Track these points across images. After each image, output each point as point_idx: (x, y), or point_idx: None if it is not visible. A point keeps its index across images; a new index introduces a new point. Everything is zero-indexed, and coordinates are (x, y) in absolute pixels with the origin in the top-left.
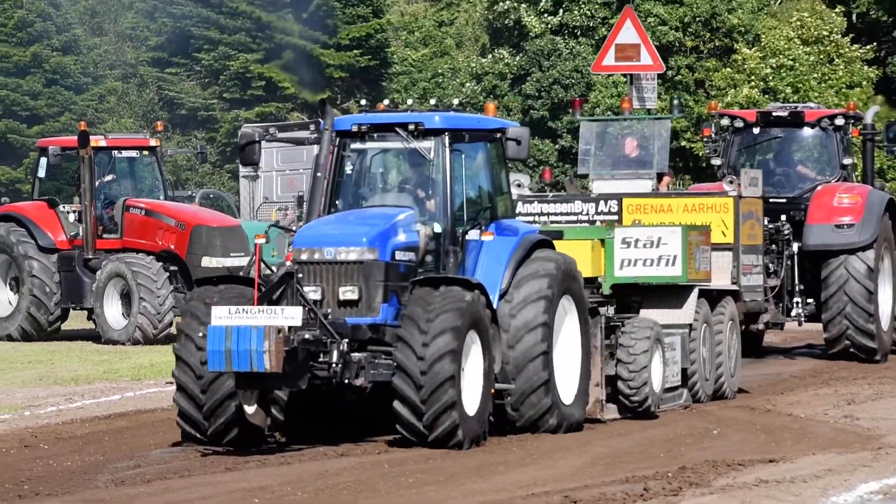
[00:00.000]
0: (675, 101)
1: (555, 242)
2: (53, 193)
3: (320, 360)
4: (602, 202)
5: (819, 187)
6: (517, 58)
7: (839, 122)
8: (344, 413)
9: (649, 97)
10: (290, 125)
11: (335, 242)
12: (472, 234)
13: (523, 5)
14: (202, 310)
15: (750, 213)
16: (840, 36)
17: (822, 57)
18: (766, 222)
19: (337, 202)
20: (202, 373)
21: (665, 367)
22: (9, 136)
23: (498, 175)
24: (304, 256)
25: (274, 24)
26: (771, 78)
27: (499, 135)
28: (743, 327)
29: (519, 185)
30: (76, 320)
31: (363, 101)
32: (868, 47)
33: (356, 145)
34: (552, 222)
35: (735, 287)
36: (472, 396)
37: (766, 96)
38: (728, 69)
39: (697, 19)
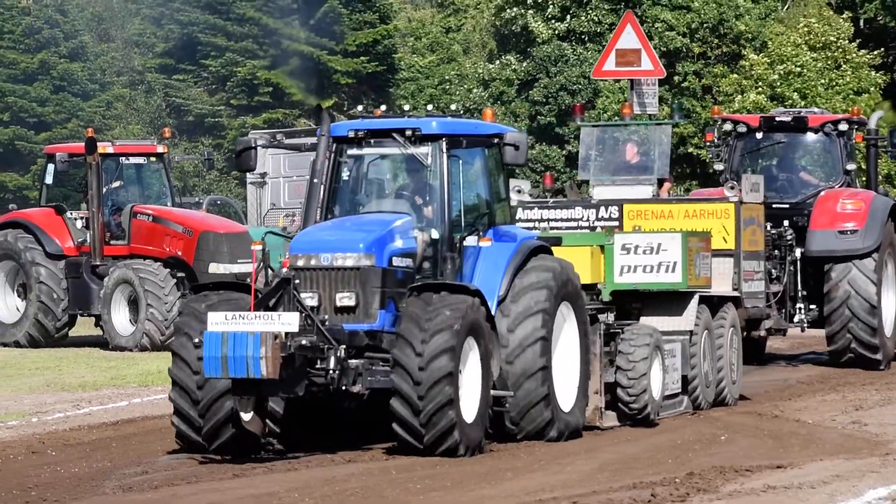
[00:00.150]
0: (676, 107)
1: (554, 248)
2: (61, 200)
3: (317, 366)
4: (603, 208)
5: (822, 193)
6: (524, 63)
7: (843, 127)
8: (341, 420)
9: (650, 102)
10: (297, 131)
11: (332, 248)
12: (470, 241)
13: (530, 11)
14: (194, 327)
15: (751, 218)
16: (847, 41)
17: (829, 63)
18: (768, 228)
19: (334, 208)
20: (199, 396)
21: (665, 375)
22: (16, 142)
23: (496, 181)
24: (300, 262)
25: (281, 30)
26: (778, 84)
27: (496, 140)
28: (744, 334)
29: (519, 191)
30: (84, 327)
31: (360, 108)
32: (875, 53)
33: (353, 151)
34: (552, 228)
35: (736, 293)
36: (470, 405)
37: (774, 102)
38: (735, 75)
39: (705, 25)
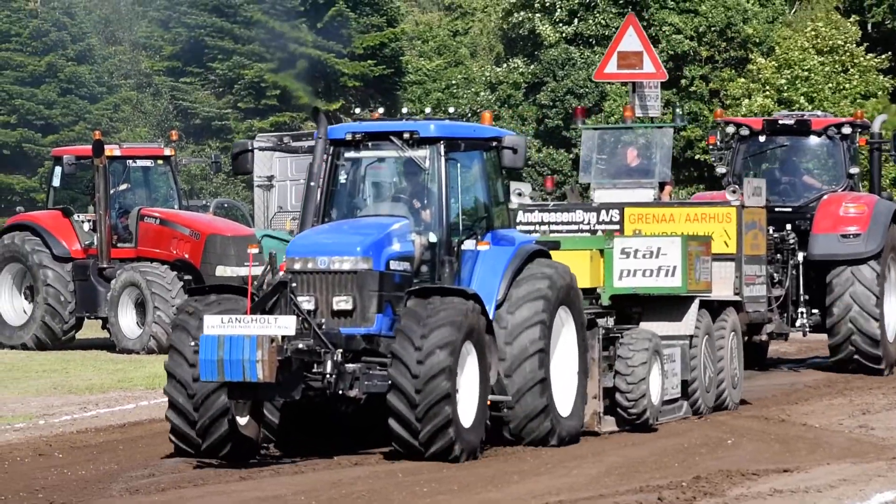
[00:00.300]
0: (678, 110)
1: (553, 252)
2: (68, 202)
3: (314, 370)
4: (604, 211)
5: (825, 196)
6: (531, 67)
7: (846, 130)
8: (338, 424)
9: (652, 105)
10: (304, 134)
11: (329, 252)
12: (468, 244)
13: (538, 15)
14: (192, 323)
15: (753, 222)
16: (855, 45)
17: (836, 67)
18: (770, 231)
19: (331, 211)
20: (194, 390)
21: (664, 379)
22: (24, 145)
23: (494, 184)
24: (297, 266)
25: (288, 33)
26: (785, 88)
27: (495, 143)
28: (746, 338)
29: (520, 194)
30: (91, 329)
31: (357, 110)
32: (883, 56)
33: (350, 154)
34: (553, 231)
35: (737, 298)
36: (467, 409)
37: (781, 106)
38: (743, 79)
39: (713, 29)
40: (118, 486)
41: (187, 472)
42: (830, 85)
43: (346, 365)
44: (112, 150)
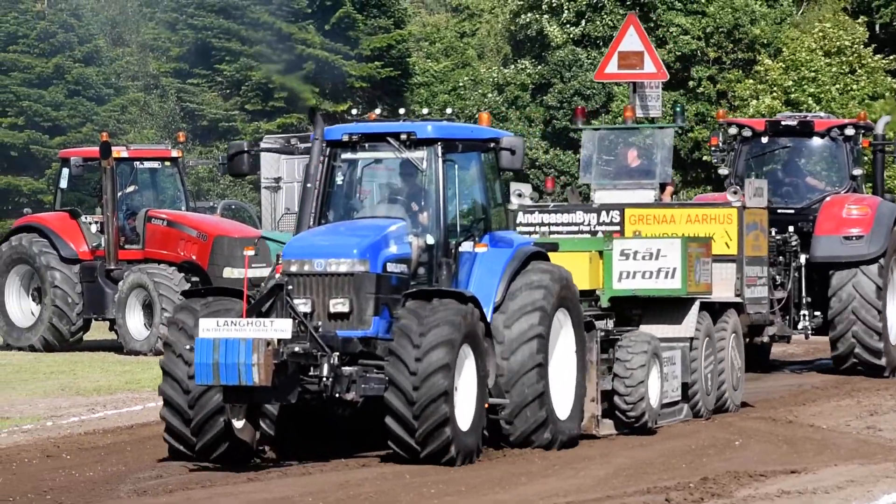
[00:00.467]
0: (678, 110)
1: (553, 254)
2: (75, 204)
3: (310, 373)
4: (604, 212)
5: (828, 198)
6: (538, 67)
7: (849, 132)
8: (335, 427)
9: (653, 106)
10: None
11: (325, 254)
12: (466, 246)
13: (545, 16)
14: (189, 323)
15: (754, 223)
16: (862, 46)
17: (843, 68)
18: (773, 233)
19: (328, 213)
20: (190, 387)
21: (663, 382)
22: (31, 146)
23: (492, 185)
24: (293, 268)
25: (295, 35)
26: (793, 89)
27: (493, 144)
28: (747, 340)
29: (520, 195)
30: (98, 331)
31: (353, 111)
32: (891, 58)
33: (347, 155)
34: (553, 233)
35: (738, 299)
36: (465, 411)
37: (789, 107)
38: (750, 80)
39: (720, 30)
40: (126, 487)
41: (195, 474)
42: (838, 86)
43: (343, 368)
44: (119, 151)
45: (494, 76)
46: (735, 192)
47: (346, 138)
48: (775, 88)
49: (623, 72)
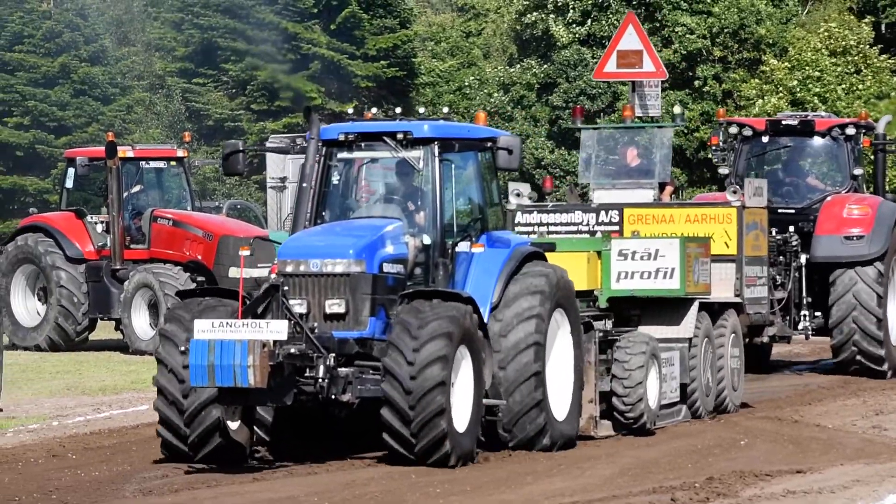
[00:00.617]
0: (678, 110)
1: (549, 254)
2: (81, 204)
3: (306, 375)
4: (603, 212)
5: (829, 198)
6: (544, 67)
7: (850, 131)
8: (331, 429)
9: (652, 105)
10: None
11: (321, 254)
12: (462, 246)
13: (551, 16)
14: (187, 317)
15: (754, 223)
16: (868, 46)
17: (849, 68)
18: (773, 233)
19: (324, 213)
20: (184, 377)
21: (662, 383)
22: (37, 146)
23: (489, 185)
24: (289, 269)
25: (301, 35)
26: (798, 89)
27: (489, 144)
28: (747, 340)
29: (518, 195)
30: (104, 331)
31: (350, 110)
32: None
33: (343, 155)
34: (552, 232)
35: (738, 299)
36: (461, 412)
37: (795, 107)
38: (756, 80)
39: (725, 30)
40: (131, 486)
41: (200, 473)
42: (843, 86)
43: (339, 369)
44: (125, 151)
45: (500, 76)
46: (735, 192)
47: (342, 137)
48: (781, 88)
49: (622, 71)
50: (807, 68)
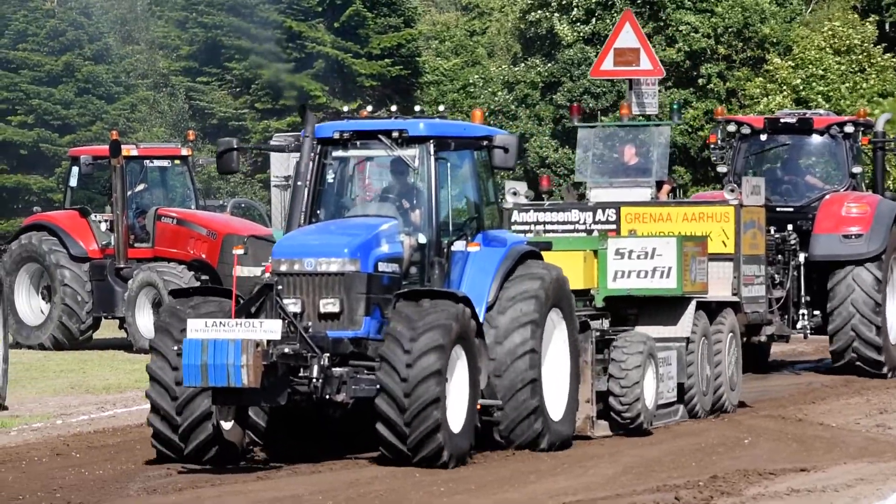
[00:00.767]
0: (676, 108)
1: (546, 254)
2: (85, 202)
3: (300, 374)
4: (600, 211)
5: (827, 196)
6: (548, 65)
7: (849, 129)
8: (326, 429)
9: (649, 103)
10: None
11: (316, 253)
12: (458, 245)
13: (556, 14)
14: (176, 326)
15: (752, 221)
16: (872, 45)
17: (853, 66)
18: (772, 232)
19: (318, 212)
20: (177, 393)
21: (659, 383)
22: (41, 145)
23: (485, 184)
24: (283, 268)
25: (305, 33)
26: (802, 87)
27: (486, 143)
28: (745, 339)
29: (515, 193)
30: (108, 329)
31: (345, 108)
32: None
33: (338, 153)
34: (548, 231)
35: (736, 298)
36: (457, 413)
37: (799, 106)
38: (760, 79)
39: (730, 29)
40: (135, 485)
41: (204, 472)
42: (847, 84)
43: (333, 369)
44: (129, 150)
45: (504, 74)
46: (732, 190)
47: (337, 136)
48: (784, 87)
49: (619, 69)
50: (810, 67)
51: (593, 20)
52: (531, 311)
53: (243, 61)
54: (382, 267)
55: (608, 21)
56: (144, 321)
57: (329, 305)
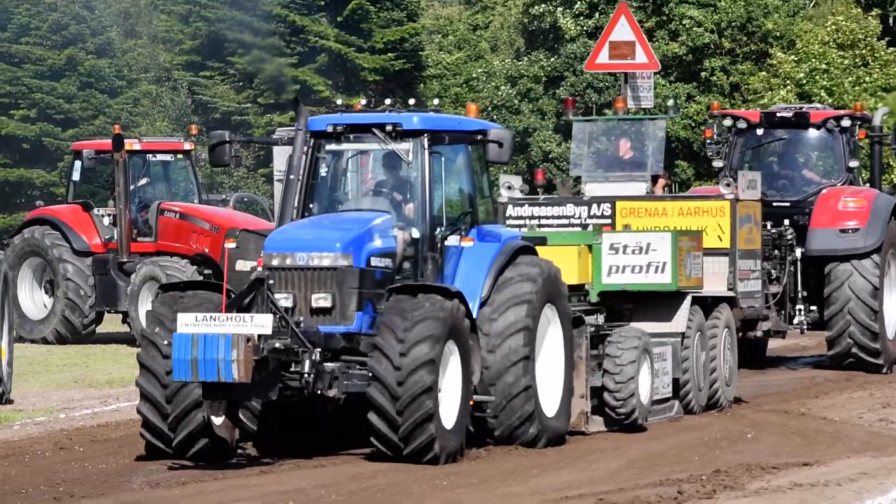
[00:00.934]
0: (672, 101)
1: (540, 249)
2: (88, 197)
3: (291, 370)
4: (595, 205)
5: (824, 191)
6: (551, 60)
7: (845, 123)
8: (319, 424)
9: (645, 96)
10: None
11: (308, 248)
12: (452, 240)
13: (559, 8)
14: (169, 316)
15: (748, 216)
16: (876, 39)
17: (856, 60)
18: (768, 227)
19: (311, 206)
20: (167, 382)
21: (654, 378)
22: (43, 139)
23: (479, 178)
24: (275, 262)
25: (308, 27)
26: (805, 81)
27: (480, 137)
28: (741, 335)
29: (510, 188)
30: (111, 323)
31: (339, 101)
32: None
33: (331, 146)
34: (543, 226)
35: (731, 293)
36: (449, 408)
37: (803, 100)
38: (763, 73)
39: (733, 24)
40: (139, 479)
41: (208, 466)
42: (851, 79)
43: (325, 364)
44: (132, 144)
45: (507, 69)
46: (728, 185)
47: (330, 129)
48: (788, 81)
49: (614, 62)
50: (814, 61)
51: (597, 14)
52: (528, 291)
53: (246, 55)
54: (375, 262)
55: (611, 15)
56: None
57: (321, 300)
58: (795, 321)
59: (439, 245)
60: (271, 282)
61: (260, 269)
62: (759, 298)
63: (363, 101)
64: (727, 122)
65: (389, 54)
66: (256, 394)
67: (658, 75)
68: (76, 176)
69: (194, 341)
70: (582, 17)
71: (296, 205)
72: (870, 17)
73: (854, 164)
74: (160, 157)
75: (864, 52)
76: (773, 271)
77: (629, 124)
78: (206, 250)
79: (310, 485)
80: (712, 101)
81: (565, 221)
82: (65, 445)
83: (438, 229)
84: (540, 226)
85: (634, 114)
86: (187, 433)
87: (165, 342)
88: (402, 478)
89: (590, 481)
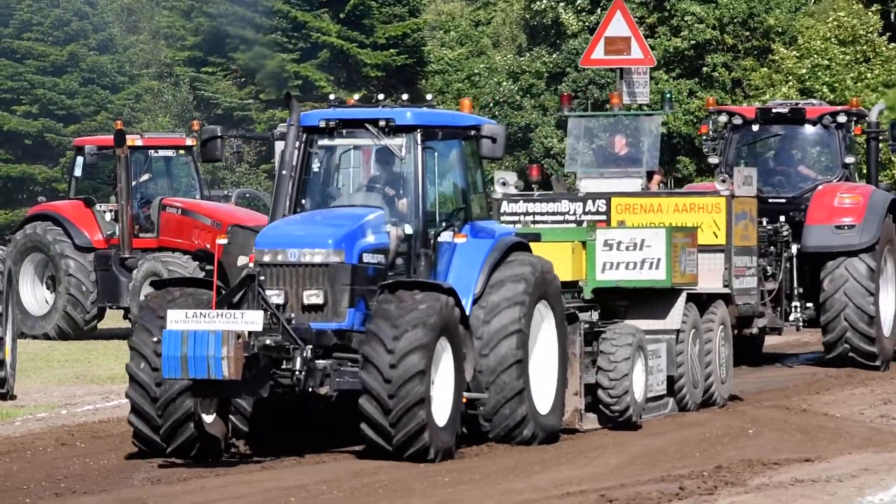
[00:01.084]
0: (668, 97)
1: (534, 245)
2: (90, 192)
3: (283, 367)
4: (590, 202)
5: (820, 187)
6: (553, 56)
7: (841, 119)
8: (310, 422)
9: (641, 92)
10: None
11: (299, 244)
12: (445, 236)
13: (561, 4)
14: (155, 323)
15: (743, 212)
16: (877, 35)
17: (858, 56)
18: (764, 223)
19: (303, 201)
20: (157, 394)
21: (648, 376)
22: (45, 135)
23: (472, 174)
24: (266, 258)
25: (310, 23)
26: (807, 77)
27: (473, 132)
28: (736, 332)
29: (504, 184)
30: (112, 319)
31: (332, 96)
32: None
33: (324, 142)
34: (538, 222)
35: (726, 290)
36: (442, 407)
37: (805, 96)
38: (765, 69)
39: (735, 20)
40: (140, 475)
41: (209, 462)
42: (852, 75)
43: (317, 361)
44: (134, 140)
45: (509, 64)
46: (724, 181)
47: (323, 124)
48: (790, 77)
49: (610, 57)
50: (815, 57)
51: (598, 10)
52: (520, 293)
53: (248, 52)
54: (367, 258)
55: None
56: None
57: (312, 297)
58: (791, 318)
59: (432, 241)
60: (262, 278)
61: (252, 265)
62: (754, 295)
63: (356, 97)
64: (723, 119)
65: (391, 50)
66: (247, 391)
67: (660, 71)
68: (78, 172)
69: (184, 338)
70: (584, 13)
71: (288, 201)
72: (871, 13)
73: (850, 160)
74: (162, 152)
75: (865, 48)
76: (768, 268)
77: (624, 120)
78: (208, 246)
79: (311, 481)
80: (710, 97)
81: (560, 218)
82: (66, 441)
83: (432, 225)
84: (534, 222)
85: (630, 109)
86: (180, 443)
87: (154, 340)
88: (403, 474)
89: (591, 477)
